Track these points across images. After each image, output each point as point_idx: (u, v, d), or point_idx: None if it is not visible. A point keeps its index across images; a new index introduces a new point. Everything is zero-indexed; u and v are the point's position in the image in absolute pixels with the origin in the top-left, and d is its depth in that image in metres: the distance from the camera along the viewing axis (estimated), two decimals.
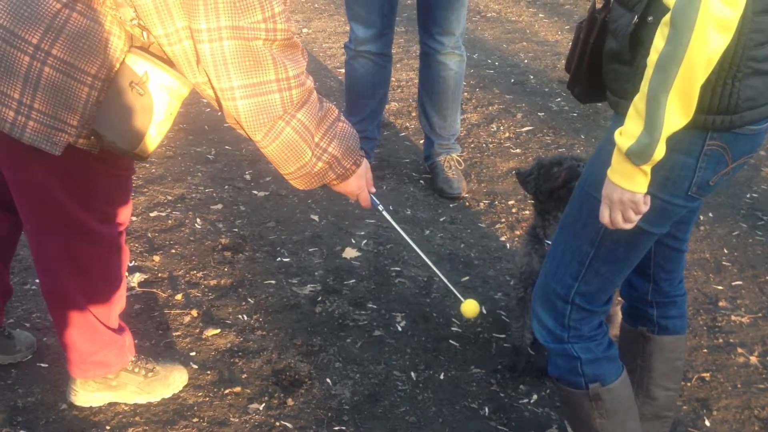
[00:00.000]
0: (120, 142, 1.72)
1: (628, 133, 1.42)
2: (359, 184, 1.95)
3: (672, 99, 1.35)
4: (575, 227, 1.70)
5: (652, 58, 1.36)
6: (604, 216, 1.53)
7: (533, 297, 1.84)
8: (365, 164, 1.95)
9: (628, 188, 1.46)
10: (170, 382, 2.30)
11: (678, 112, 1.37)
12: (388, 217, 2.07)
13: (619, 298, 2.21)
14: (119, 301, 2.17)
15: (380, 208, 2.05)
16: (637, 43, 1.48)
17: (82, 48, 1.65)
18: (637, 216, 1.50)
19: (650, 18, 1.45)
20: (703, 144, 1.51)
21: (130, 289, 2.78)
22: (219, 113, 1.79)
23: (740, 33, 1.38)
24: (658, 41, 1.34)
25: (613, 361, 1.81)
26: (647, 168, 1.44)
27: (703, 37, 1.29)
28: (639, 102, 1.39)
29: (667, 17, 1.32)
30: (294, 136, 1.74)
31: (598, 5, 1.69)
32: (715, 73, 1.41)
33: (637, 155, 1.41)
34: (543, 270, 1.81)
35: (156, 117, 1.74)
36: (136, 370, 2.25)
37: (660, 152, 1.40)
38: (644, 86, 1.38)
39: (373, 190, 2.02)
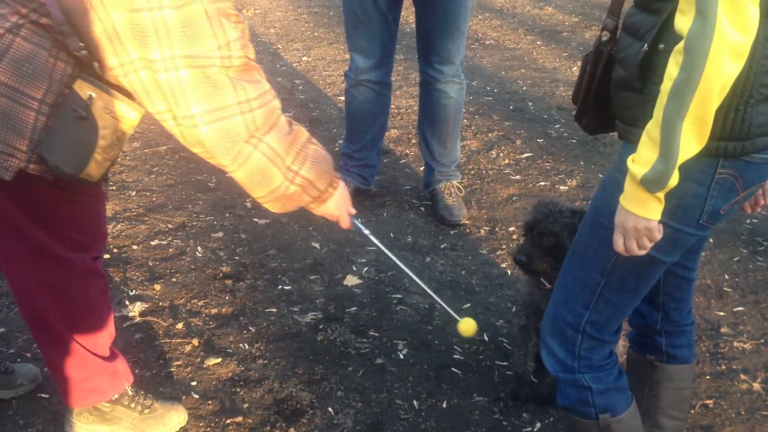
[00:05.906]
0: (64, 165, 1.71)
1: (642, 161, 1.41)
2: (338, 206, 1.95)
3: (687, 126, 1.35)
4: (586, 256, 1.70)
5: (666, 85, 1.35)
6: (619, 244, 1.52)
7: (542, 326, 1.82)
8: (342, 186, 1.95)
9: (642, 215, 1.45)
10: (167, 421, 2.27)
11: (693, 139, 1.37)
12: (375, 241, 2.07)
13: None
14: (106, 327, 2.13)
15: (365, 231, 2.05)
16: (648, 70, 1.49)
17: (26, 72, 1.64)
18: (651, 243, 1.50)
19: (661, 45, 1.46)
20: (714, 172, 1.51)
21: (130, 318, 2.77)
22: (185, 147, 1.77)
23: (752, 59, 1.39)
24: (672, 69, 1.34)
25: (623, 392, 1.80)
26: (661, 195, 1.43)
27: (718, 64, 1.30)
28: (653, 129, 1.39)
29: (680, 45, 1.32)
30: (263, 160, 1.74)
31: (604, 38, 1.70)
32: (728, 100, 1.41)
33: (652, 183, 1.40)
34: (552, 299, 1.80)
35: (101, 141, 1.72)
36: (133, 405, 2.22)
37: (674, 179, 1.40)
38: (658, 113, 1.37)
39: (354, 212, 2.01)
